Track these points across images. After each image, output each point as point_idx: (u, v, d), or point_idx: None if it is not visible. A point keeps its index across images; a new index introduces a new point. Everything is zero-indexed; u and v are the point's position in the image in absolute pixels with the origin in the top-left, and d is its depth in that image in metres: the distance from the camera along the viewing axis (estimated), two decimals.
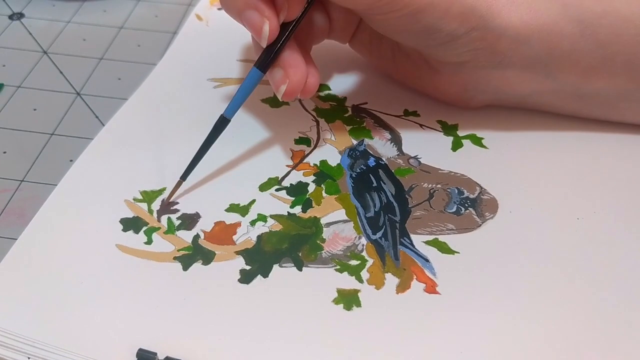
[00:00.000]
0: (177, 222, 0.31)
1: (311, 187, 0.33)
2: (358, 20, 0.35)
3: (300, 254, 0.30)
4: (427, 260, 0.30)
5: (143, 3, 0.47)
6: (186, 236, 0.30)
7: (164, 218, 0.31)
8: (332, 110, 0.37)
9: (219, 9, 0.44)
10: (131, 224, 0.30)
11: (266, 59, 0.31)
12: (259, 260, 0.29)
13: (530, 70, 0.33)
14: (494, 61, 0.33)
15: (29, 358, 0.26)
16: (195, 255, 0.29)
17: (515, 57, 0.32)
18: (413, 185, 0.33)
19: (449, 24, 0.30)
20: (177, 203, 0.32)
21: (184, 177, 0.31)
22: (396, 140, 0.36)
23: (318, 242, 0.30)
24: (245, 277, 0.29)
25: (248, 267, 0.29)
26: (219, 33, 0.42)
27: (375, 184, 0.33)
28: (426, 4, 0.29)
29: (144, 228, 0.30)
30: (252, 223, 0.31)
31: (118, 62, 0.42)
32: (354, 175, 0.33)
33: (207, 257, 0.29)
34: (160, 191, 0.32)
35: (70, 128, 0.37)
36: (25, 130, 0.36)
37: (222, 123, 0.31)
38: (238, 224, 0.31)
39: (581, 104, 0.35)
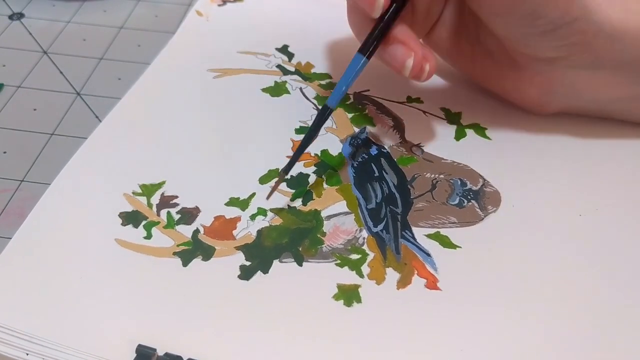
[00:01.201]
0: (176, 217, 0.30)
1: (312, 178, 0.32)
2: (439, 12, 0.34)
3: (300, 249, 0.29)
4: (429, 255, 0.29)
5: (143, 3, 0.47)
6: (186, 231, 0.30)
7: (164, 212, 0.31)
8: None
9: (219, 5, 0.44)
10: (130, 218, 0.30)
11: (370, 40, 0.30)
12: (259, 255, 0.29)
13: (621, 74, 0.32)
14: (587, 60, 0.31)
15: (27, 354, 0.25)
16: (195, 250, 0.29)
17: (608, 57, 0.31)
18: (415, 175, 0.33)
19: (554, 11, 0.29)
20: (177, 197, 0.31)
21: (286, 170, 0.30)
22: (399, 128, 0.35)
23: (319, 235, 0.30)
24: (245, 274, 0.28)
25: (248, 263, 0.29)
26: (220, 28, 0.42)
27: (377, 174, 0.33)
28: None
29: (144, 222, 0.30)
30: (252, 217, 0.31)
31: (118, 62, 0.42)
32: (355, 165, 0.33)
33: (207, 253, 0.29)
34: (160, 184, 0.32)
35: (70, 128, 0.37)
36: (25, 130, 0.36)
37: (325, 112, 0.30)
38: (238, 219, 0.30)
39: None
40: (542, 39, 0.31)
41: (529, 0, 0.29)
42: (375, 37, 0.30)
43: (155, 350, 0.25)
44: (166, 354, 0.25)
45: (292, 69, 0.39)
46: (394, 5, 0.29)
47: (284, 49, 0.41)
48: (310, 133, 0.30)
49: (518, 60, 0.33)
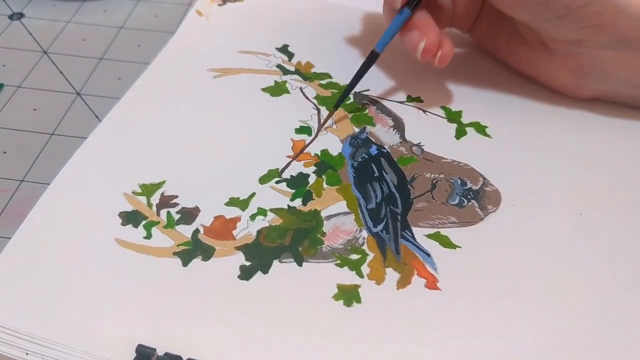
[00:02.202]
0: (176, 217, 0.30)
1: (312, 178, 0.32)
2: (479, 7, 0.38)
3: (300, 249, 0.29)
4: (429, 255, 0.29)
5: (143, 3, 0.47)
6: (186, 231, 0.30)
7: (163, 212, 0.31)
8: (334, 97, 0.37)
9: (219, 5, 0.44)
10: (130, 218, 0.30)
11: None
12: (259, 255, 0.29)
13: None
14: (612, 39, 0.32)
15: (27, 354, 0.25)
16: (194, 250, 0.29)
17: (633, 35, 0.32)
18: (415, 175, 0.33)
19: None
20: (177, 197, 0.31)
21: (336, 107, 0.35)
22: (399, 127, 0.35)
23: (318, 236, 0.30)
24: (245, 274, 0.28)
25: (248, 264, 0.29)
26: (220, 28, 0.42)
27: (377, 174, 0.33)
28: None
29: (143, 222, 0.30)
30: (252, 217, 0.30)
31: (118, 62, 0.41)
32: (355, 165, 0.33)
33: (207, 253, 0.29)
34: (160, 184, 0.32)
35: (70, 128, 0.37)
36: (25, 130, 0.36)
37: (372, 57, 0.35)
38: (238, 219, 0.30)
39: None
40: (560, 22, 0.32)
41: None
42: None
43: (155, 350, 0.25)
44: (166, 354, 0.25)
45: (292, 69, 0.39)
46: None
47: (284, 49, 0.41)
48: (356, 77, 0.35)
49: (548, 45, 0.35)
